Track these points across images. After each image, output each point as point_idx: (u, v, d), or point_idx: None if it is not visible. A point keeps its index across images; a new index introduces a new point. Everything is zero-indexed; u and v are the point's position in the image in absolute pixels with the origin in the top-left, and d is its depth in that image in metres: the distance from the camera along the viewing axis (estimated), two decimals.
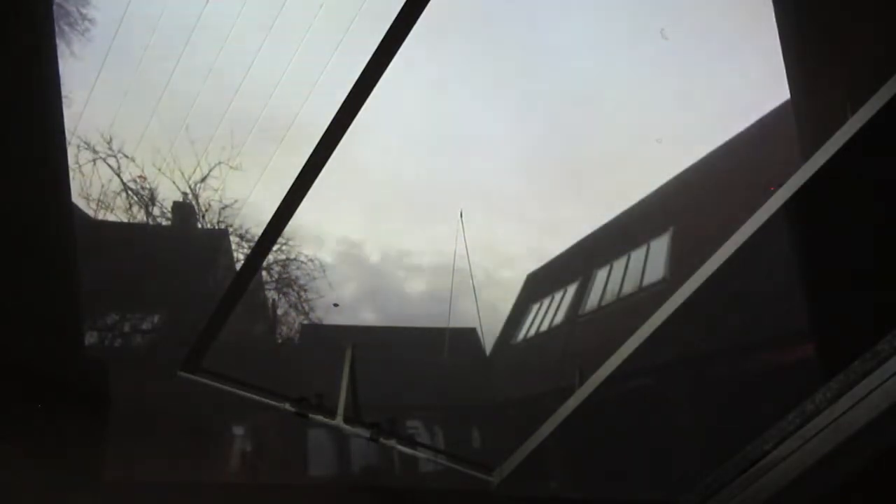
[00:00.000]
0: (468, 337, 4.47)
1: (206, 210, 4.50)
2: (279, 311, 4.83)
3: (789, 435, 1.49)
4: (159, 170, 4.16)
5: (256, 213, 4.14)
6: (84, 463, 2.58)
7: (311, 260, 4.74)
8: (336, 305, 4.74)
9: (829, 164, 1.88)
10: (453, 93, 4.43)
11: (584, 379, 2.38)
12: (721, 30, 4.06)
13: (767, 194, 2.06)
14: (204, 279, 4.19)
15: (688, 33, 3.95)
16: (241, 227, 4.41)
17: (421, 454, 2.58)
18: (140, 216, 4.48)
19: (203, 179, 4.38)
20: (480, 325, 4.24)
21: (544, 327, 5.52)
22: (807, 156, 1.99)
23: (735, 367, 2.37)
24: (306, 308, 4.84)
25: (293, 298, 4.82)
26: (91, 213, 4.22)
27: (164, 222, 4.60)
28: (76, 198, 3.81)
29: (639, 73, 4.30)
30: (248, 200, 4.25)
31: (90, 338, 3.57)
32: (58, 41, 2.78)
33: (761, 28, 2.92)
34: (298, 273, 4.80)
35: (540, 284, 5.85)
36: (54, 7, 2.83)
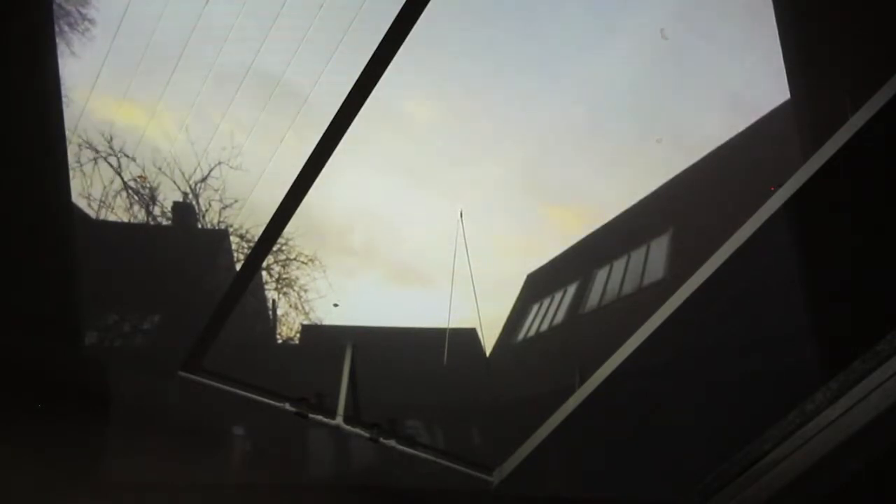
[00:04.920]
0: (468, 337, 4.47)
1: (206, 210, 4.49)
2: (279, 311, 4.83)
3: (789, 435, 1.49)
4: (159, 170, 4.16)
5: (256, 213, 4.13)
6: (84, 463, 2.58)
7: (312, 260, 4.74)
8: (336, 305, 4.73)
9: (829, 164, 1.88)
10: (453, 92, 4.43)
11: (584, 379, 2.38)
12: (721, 30, 4.06)
13: (767, 194, 2.06)
14: (204, 279, 4.19)
15: (688, 33, 3.95)
16: (241, 227, 4.40)
17: (421, 454, 2.58)
18: (140, 216, 4.47)
19: (203, 179, 4.37)
20: (480, 325, 4.22)
21: (544, 327, 5.52)
22: (807, 156, 1.99)
23: (735, 367, 2.37)
24: (306, 308, 4.84)
25: (293, 298, 4.81)
26: (91, 213, 4.21)
27: (164, 222, 4.59)
28: (76, 198, 3.80)
29: (639, 73, 4.30)
30: (248, 200, 4.24)
31: (90, 338, 3.56)
32: (58, 41, 2.78)
33: (761, 28, 2.92)
34: (298, 273, 4.79)
35: (540, 284, 5.84)
36: (54, 7, 2.83)
